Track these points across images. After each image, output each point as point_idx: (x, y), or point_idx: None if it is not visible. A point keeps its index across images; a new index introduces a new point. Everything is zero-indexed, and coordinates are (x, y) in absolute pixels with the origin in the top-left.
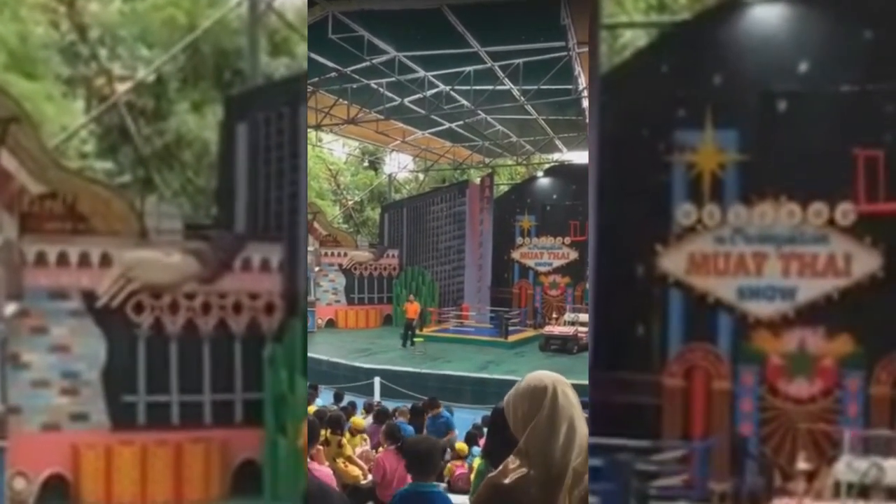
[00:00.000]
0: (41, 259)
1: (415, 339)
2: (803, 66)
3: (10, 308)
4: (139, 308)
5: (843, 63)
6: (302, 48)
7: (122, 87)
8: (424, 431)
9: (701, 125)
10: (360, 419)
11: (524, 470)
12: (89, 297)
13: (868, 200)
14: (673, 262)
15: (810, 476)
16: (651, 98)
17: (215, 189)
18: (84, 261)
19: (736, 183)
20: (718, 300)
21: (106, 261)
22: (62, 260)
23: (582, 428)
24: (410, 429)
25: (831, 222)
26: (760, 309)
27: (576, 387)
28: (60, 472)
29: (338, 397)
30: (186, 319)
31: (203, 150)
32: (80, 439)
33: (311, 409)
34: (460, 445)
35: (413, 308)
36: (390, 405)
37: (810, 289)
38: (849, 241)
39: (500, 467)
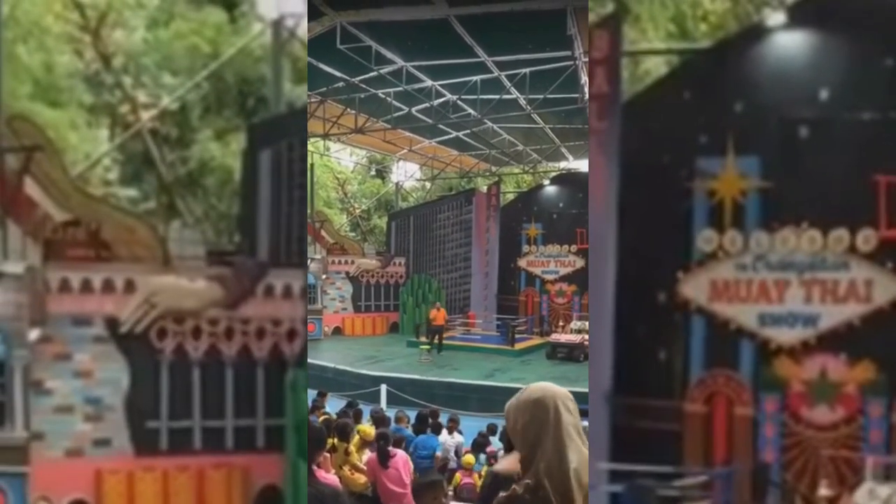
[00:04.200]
0: (65, 286)
1: (421, 346)
2: (824, 94)
3: (34, 334)
4: (162, 334)
5: (863, 90)
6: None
7: (146, 115)
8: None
9: (722, 152)
10: (370, 428)
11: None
12: (112, 323)
13: (889, 227)
14: (694, 288)
15: (832, 502)
16: (673, 125)
17: (238, 215)
18: (108, 287)
19: (757, 210)
20: (740, 327)
21: (129, 287)
22: (86, 286)
23: (582, 447)
24: (408, 432)
25: (852, 249)
26: (782, 335)
27: (581, 394)
28: (83, 498)
29: (351, 406)
30: (209, 345)
31: (226, 177)
32: (104, 465)
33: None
34: (467, 459)
35: (441, 315)
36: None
37: (832, 315)
38: (870, 268)
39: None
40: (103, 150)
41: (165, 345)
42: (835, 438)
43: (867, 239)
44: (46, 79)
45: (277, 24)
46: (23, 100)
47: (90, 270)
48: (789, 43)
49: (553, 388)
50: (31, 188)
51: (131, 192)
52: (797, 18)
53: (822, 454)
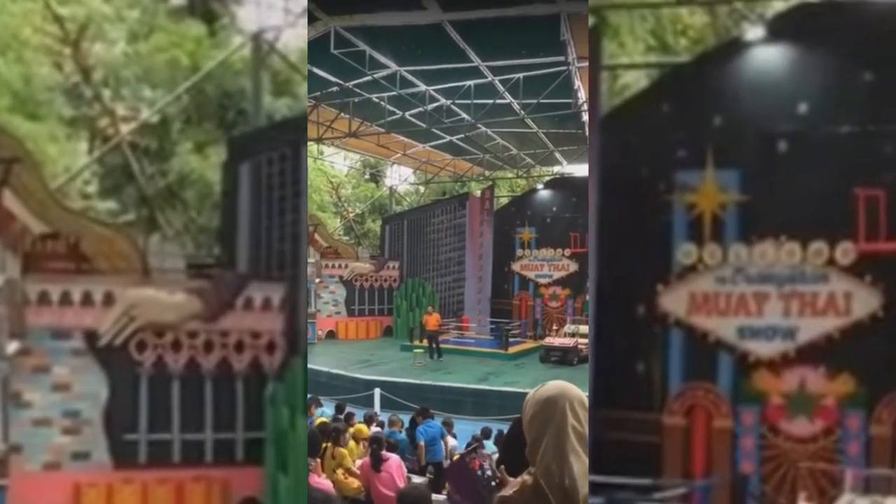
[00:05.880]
0: (44, 298)
1: (415, 350)
2: (803, 107)
3: (13, 347)
4: (141, 347)
5: (842, 104)
6: (303, 89)
7: (125, 128)
8: (419, 439)
9: (701, 165)
10: (364, 427)
11: (528, 479)
12: (91, 336)
13: (868, 240)
14: (674, 301)
15: None
16: (652, 138)
17: (218, 228)
18: (87, 300)
19: (736, 223)
20: (719, 340)
21: (109, 300)
22: (65, 299)
23: (583, 456)
24: (402, 436)
25: (831, 262)
26: (761, 348)
27: None
28: None
29: (339, 409)
30: (188, 358)
31: (206, 190)
32: (82, 478)
33: (318, 420)
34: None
35: (434, 319)
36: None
37: (811, 328)
38: (849, 281)
39: (518, 487)
40: (82, 162)
41: (145, 358)
42: (814, 451)
43: (846, 252)
44: (25, 91)
45: (257, 38)
46: (1, 112)
47: (69, 283)
48: (768, 57)
49: (570, 389)
50: (9, 201)
51: (111, 205)
52: (776, 33)
53: (800, 467)
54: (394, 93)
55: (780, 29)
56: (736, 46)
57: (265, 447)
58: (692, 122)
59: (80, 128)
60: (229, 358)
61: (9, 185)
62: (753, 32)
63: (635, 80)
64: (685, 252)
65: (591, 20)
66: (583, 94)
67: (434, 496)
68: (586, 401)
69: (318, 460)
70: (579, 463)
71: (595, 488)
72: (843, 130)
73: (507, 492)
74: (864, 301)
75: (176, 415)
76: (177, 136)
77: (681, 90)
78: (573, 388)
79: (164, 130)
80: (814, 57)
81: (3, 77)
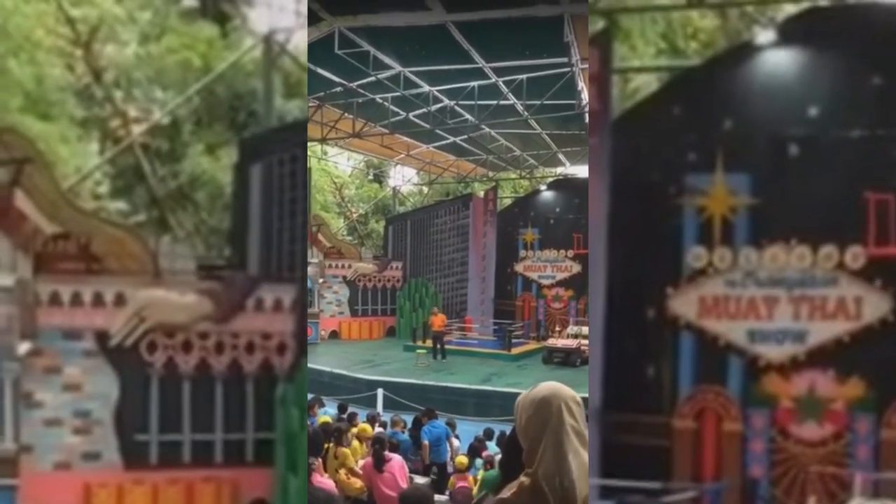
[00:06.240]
0: (55, 299)
1: (418, 351)
2: (813, 111)
3: (24, 347)
4: (152, 347)
5: (853, 108)
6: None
7: (136, 129)
8: (423, 439)
9: (712, 169)
10: (367, 426)
11: (525, 480)
12: (102, 336)
13: (878, 244)
14: (684, 304)
15: None
16: (662, 142)
17: (229, 230)
18: (98, 301)
19: (747, 226)
20: (729, 343)
21: (120, 301)
22: (76, 300)
23: (581, 452)
24: (404, 436)
25: (842, 266)
26: (771, 352)
27: None
28: None
29: (342, 409)
30: (199, 359)
31: (217, 191)
32: (92, 478)
33: (320, 419)
34: (460, 459)
35: (439, 319)
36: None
37: (821, 332)
38: (859, 285)
39: (515, 488)
40: (94, 163)
41: (155, 358)
42: (823, 455)
43: (856, 256)
44: (37, 92)
45: (268, 39)
46: (13, 112)
47: (80, 283)
48: (779, 61)
49: (561, 388)
50: (21, 201)
51: (122, 206)
52: (787, 36)
53: (810, 470)
54: (397, 93)
55: (790, 32)
56: (747, 50)
57: (275, 448)
58: (703, 125)
59: (91, 128)
60: (240, 359)
61: (20, 186)
62: (764, 36)
63: (646, 84)
64: (695, 255)
65: (601, 23)
66: (586, 96)
67: (437, 497)
68: (579, 398)
69: (321, 460)
70: (579, 462)
71: (605, 492)
72: (854, 134)
73: (505, 493)
74: (875, 305)
75: (186, 415)
76: (188, 137)
77: (691, 94)
78: (564, 388)
79: (176, 132)
80: (824, 60)
81: (15, 77)
